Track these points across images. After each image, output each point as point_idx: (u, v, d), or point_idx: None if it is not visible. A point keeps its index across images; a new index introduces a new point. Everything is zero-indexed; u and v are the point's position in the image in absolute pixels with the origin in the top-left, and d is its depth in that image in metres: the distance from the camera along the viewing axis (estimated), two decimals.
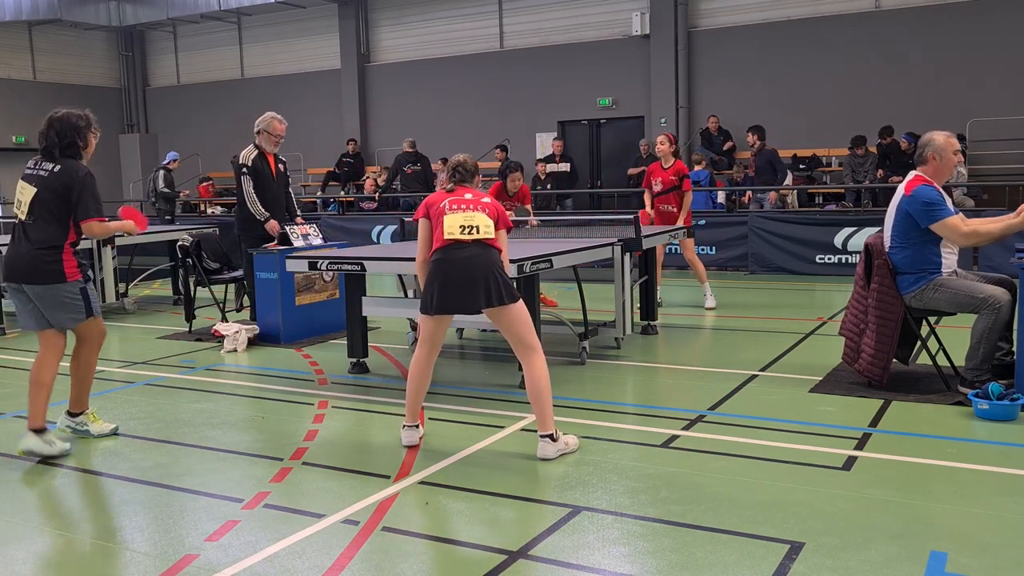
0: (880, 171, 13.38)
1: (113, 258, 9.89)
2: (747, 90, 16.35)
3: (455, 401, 5.79)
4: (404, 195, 17.02)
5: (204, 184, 19.88)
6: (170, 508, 4.12)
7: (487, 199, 4.84)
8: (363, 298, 6.69)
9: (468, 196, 4.79)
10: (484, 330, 8.24)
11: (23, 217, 4.50)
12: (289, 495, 4.21)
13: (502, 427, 5.17)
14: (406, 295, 7.44)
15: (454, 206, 4.71)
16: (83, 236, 4.69)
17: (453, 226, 4.65)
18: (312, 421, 5.44)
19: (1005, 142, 14.29)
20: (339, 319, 7.60)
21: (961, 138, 13.90)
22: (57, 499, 4.23)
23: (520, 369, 6.01)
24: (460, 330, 8.18)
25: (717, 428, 5.11)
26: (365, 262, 6.29)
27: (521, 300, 4.73)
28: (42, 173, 4.53)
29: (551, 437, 4.60)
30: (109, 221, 4.82)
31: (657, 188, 9.23)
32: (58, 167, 4.53)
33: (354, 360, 6.76)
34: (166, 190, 14.30)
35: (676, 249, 12.78)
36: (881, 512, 3.77)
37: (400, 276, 7.34)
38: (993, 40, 14.54)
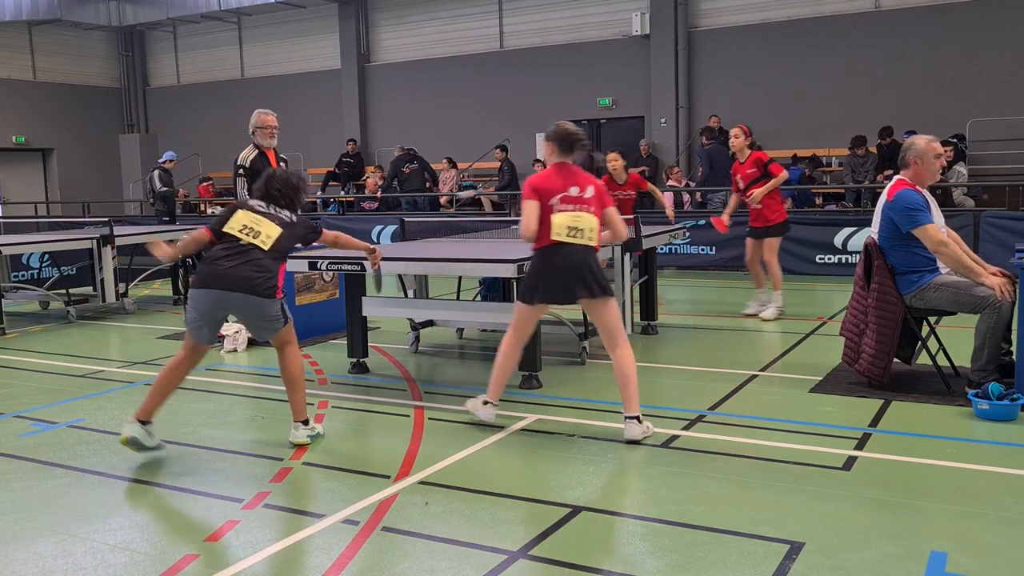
0: (887, 171, 13.35)
1: (113, 258, 9.89)
2: (747, 90, 16.35)
3: (455, 401, 5.79)
4: (405, 195, 17.02)
5: (204, 184, 19.89)
6: (170, 508, 4.12)
7: (591, 190, 5.01)
8: (363, 298, 6.69)
9: (575, 191, 4.95)
10: (484, 330, 8.25)
11: (262, 246, 4.88)
12: (289, 495, 4.21)
13: (502, 427, 5.17)
14: (406, 295, 7.44)
15: (565, 204, 4.92)
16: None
17: (561, 227, 4.87)
18: (312, 421, 5.43)
19: (1005, 142, 14.29)
20: (339, 319, 7.60)
21: (961, 138, 13.91)
22: (57, 499, 4.23)
23: (519, 369, 6.06)
24: (460, 330, 8.18)
25: (717, 428, 5.11)
26: (365, 262, 6.29)
27: (614, 297, 5.05)
28: (283, 217, 5.04)
29: (637, 419, 4.88)
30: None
31: (740, 186, 8.64)
32: (295, 217, 5.11)
33: (354, 360, 6.76)
34: (164, 189, 14.31)
35: (676, 250, 12.81)
36: (881, 512, 3.77)
37: (400, 276, 7.34)
38: (993, 40, 14.55)
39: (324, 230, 5.20)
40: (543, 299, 4.99)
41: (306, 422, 5.05)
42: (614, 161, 8.87)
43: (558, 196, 4.91)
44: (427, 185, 17.19)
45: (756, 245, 8.72)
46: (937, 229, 5.41)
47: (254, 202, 5.11)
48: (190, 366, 4.96)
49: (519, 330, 5.14)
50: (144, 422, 4.77)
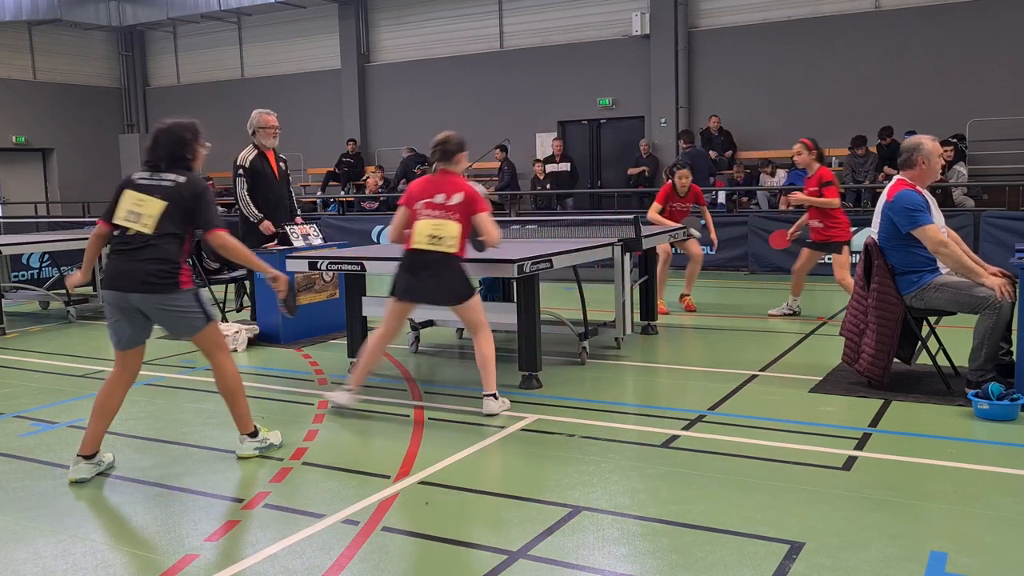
0: (887, 170, 13.34)
1: None
2: (747, 90, 16.35)
3: (455, 401, 5.80)
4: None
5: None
6: (170, 508, 4.12)
7: (459, 197, 5.21)
8: (363, 298, 6.69)
9: (440, 198, 5.24)
10: None
11: (144, 230, 4.35)
12: (289, 495, 4.21)
13: (502, 427, 5.17)
14: None
15: (429, 210, 5.28)
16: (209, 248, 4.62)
17: (422, 235, 5.27)
18: (312, 421, 5.44)
19: (1005, 142, 14.29)
20: (339, 319, 7.60)
21: (961, 138, 13.91)
22: (57, 499, 4.23)
23: (520, 369, 6.06)
24: (460, 330, 8.18)
25: (717, 428, 5.11)
26: (365, 262, 6.30)
27: (476, 294, 5.43)
28: (166, 184, 4.41)
29: (494, 396, 5.41)
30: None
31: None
32: (183, 178, 4.44)
33: (354, 360, 6.75)
34: None
35: (676, 250, 12.78)
36: (881, 512, 3.77)
37: None
38: (993, 40, 14.54)
39: (218, 229, 4.43)
40: (404, 298, 5.44)
41: (253, 434, 4.76)
42: (684, 177, 9.13)
43: (423, 202, 5.30)
44: None
45: (810, 256, 8.53)
46: (937, 230, 5.41)
47: (138, 175, 4.51)
48: (128, 380, 4.58)
49: (387, 323, 5.51)
50: (89, 456, 4.48)
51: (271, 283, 4.72)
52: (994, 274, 5.41)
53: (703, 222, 9.36)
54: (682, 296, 9.38)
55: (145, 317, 4.47)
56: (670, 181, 9.19)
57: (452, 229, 5.24)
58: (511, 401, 5.64)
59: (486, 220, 5.32)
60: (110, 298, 4.43)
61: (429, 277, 5.31)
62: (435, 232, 5.24)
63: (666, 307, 9.08)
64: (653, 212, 9.17)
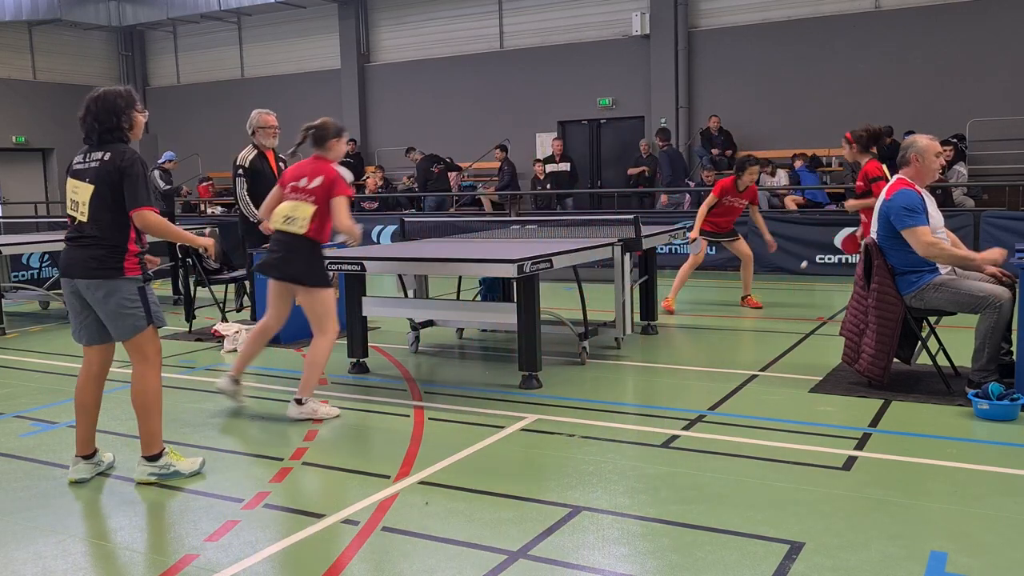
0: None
1: None
2: (747, 90, 16.36)
3: (455, 401, 5.80)
4: (436, 194, 16.70)
5: (204, 184, 19.88)
6: (170, 508, 4.12)
7: (319, 180, 5.33)
8: (363, 298, 6.69)
9: (303, 181, 5.39)
10: (484, 330, 8.25)
11: (82, 219, 4.21)
12: (289, 495, 4.21)
13: (502, 427, 5.17)
14: (406, 295, 7.44)
15: (291, 193, 5.42)
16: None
17: (279, 216, 5.43)
18: (312, 421, 5.43)
19: (1005, 142, 14.29)
20: (339, 319, 7.59)
21: (961, 138, 13.91)
22: (57, 499, 4.23)
23: (520, 369, 6.06)
24: (460, 330, 8.19)
25: (717, 428, 5.11)
26: (365, 262, 6.29)
27: (327, 289, 5.46)
28: (93, 165, 4.21)
29: (300, 401, 5.44)
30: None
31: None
32: (107, 154, 4.20)
33: (354, 360, 6.76)
34: (168, 187, 14.29)
35: (677, 249, 12.80)
36: (881, 512, 3.77)
37: (400, 276, 7.34)
38: (993, 40, 14.55)
39: (141, 207, 4.14)
40: (259, 271, 5.70)
41: (156, 456, 4.38)
42: (753, 174, 9.03)
43: (289, 185, 5.45)
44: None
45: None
46: (929, 232, 5.37)
47: (76, 159, 4.34)
48: (96, 374, 4.46)
49: (268, 308, 5.65)
50: (88, 456, 4.46)
51: (204, 252, 4.94)
52: (986, 255, 5.42)
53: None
54: (744, 298, 9.34)
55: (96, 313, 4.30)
56: (733, 176, 9.01)
57: (306, 211, 5.33)
58: (511, 401, 5.63)
59: (339, 205, 5.33)
60: (64, 286, 4.33)
61: (278, 255, 5.47)
62: (290, 213, 5.38)
63: (673, 306, 9.05)
64: (704, 205, 9.07)
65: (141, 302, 4.25)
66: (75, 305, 4.34)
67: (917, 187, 5.54)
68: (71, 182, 4.29)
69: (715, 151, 15.87)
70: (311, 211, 5.33)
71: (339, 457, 4.79)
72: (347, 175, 5.49)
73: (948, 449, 4.63)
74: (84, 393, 4.45)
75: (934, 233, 5.43)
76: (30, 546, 3.69)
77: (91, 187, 4.18)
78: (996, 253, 5.42)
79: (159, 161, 14.53)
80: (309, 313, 5.47)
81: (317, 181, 5.34)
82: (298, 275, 5.41)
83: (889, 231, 5.51)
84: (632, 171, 16.34)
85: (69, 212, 4.31)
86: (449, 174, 16.98)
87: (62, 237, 4.47)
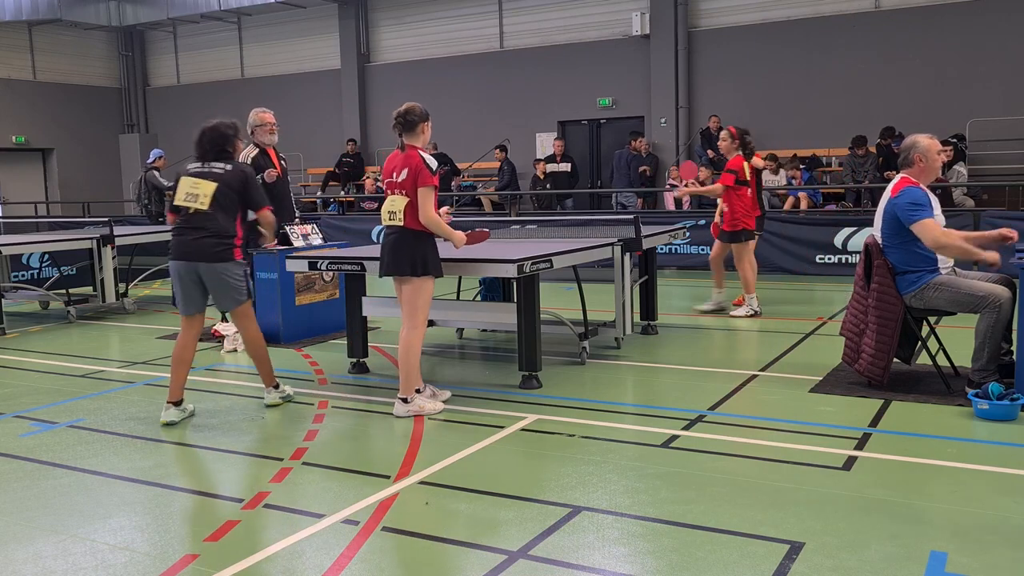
0: (889, 172, 13.33)
1: (113, 258, 9.89)
2: (747, 90, 16.35)
3: (455, 401, 5.79)
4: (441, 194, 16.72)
5: None
6: (170, 508, 4.12)
7: (405, 173, 5.36)
8: (363, 298, 6.69)
9: (394, 175, 5.42)
10: (484, 330, 8.25)
11: (201, 207, 5.24)
12: (289, 495, 4.21)
13: (502, 427, 5.17)
14: None
15: (390, 189, 5.46)
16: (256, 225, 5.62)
17: (384, 213, 5.49)
18: (312, 421, 5.44)
19: (1005, 142, 14.29)
20: (339, 319, 7.60)
21: (961, 138, 13.91)
22: (57, 499, 4.23)
23: (520, 369, 6.06)
24: (460, 330, 8.19)
25: (717, 428, 5.11)
26: (365, 262, 6.29)
27: (428, 279, 5.43)
28: (216, 171, 5.33)
29: (404, 400, 5.45)
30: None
31: None
32: (230, 166, 5.37)
33: (354, 360, 6.76)
34: (170, 185, 14.24)
35: (677, 249, 12.81)
36: (881, 512, 3.77)
37: None
38: (993, 40, 14.55)
39: (265, 207, 5.46)
40: (383, 274, 5.61)
41: (277, 386, 5.71)
42: (762, 160, 9.31)
43: (386, 181, 5.52)
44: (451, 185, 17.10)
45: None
46: (936, 224, 5.39)
47: (191, 166, 5.39)
48: (194, 336, 5.50)
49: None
50: (176, 403, 5.39)
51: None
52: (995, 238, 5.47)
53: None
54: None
55: (203, 287, 5.35)
56: (740, 157, 8.57)
57: (401, 204, 5.39)
58: (511, 401, 5.63)
59: (422, 197, 5.36)
60: (177, 268, 5.33)
61: (385, 249, 5.57)
62: (391, 208, 5.47)
63: (744, 298, 8.91)
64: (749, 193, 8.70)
65: (243, 282, 5.38)
66: (189, 284, 5.36)
67: (921, 185, 5.54)
68: (190, 180, 5.32)
69: (713, 152, 15.82)
70: (404, 203, 5.38)
71: (339, 457, 4.79)
72: (432, 163, 5.49)
73: (948, 449, 4.63)
74: (187, 351, 5.47)
75: None
76: (30, 546, 3.69)
77: (214, 184, 5.27)
78: (998, 234, 5.41)
79: (148, 161, 14.44)
80: (405, 303, 5.48)
81: (404, 174, 5.39)
82: (401, 266, 5.44)
83: (894, 229, 5.50)
84: (643, 168, 16.20)
85: (183, 204, 5.29)
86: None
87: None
